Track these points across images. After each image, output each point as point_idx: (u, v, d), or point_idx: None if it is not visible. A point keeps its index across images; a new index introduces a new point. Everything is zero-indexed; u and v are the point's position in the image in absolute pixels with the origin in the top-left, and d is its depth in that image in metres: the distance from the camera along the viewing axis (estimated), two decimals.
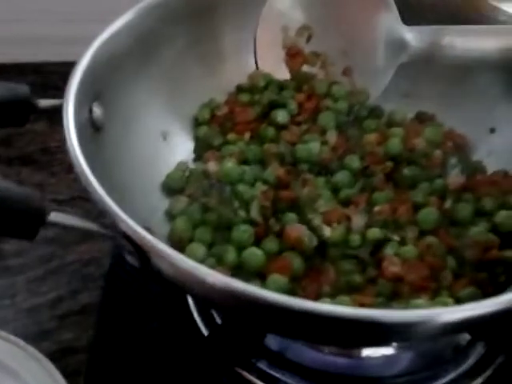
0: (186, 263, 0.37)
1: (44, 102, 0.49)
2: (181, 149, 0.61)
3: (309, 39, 0.64)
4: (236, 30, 0.63)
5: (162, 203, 0.56)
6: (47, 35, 0.80)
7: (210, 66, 0.64)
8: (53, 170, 0.71)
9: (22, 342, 0.51)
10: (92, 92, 0.50)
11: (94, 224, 0.41)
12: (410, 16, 0.59)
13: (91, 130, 0.50)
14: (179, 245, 0.51)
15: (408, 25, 0.60)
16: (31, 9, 0.79)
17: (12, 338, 0.51)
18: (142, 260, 0.40)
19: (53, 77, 0.79)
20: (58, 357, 0.52)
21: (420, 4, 0.61)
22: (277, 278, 0.47)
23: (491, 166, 0.58)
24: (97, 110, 0.50)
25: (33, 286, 0.59)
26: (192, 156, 0.61)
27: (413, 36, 0.59)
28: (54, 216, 0.40)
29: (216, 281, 0.36)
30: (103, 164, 0.49)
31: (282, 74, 0.65)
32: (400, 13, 0.60)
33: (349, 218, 0.51)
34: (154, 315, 0.56)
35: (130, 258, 0.41)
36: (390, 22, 0.60)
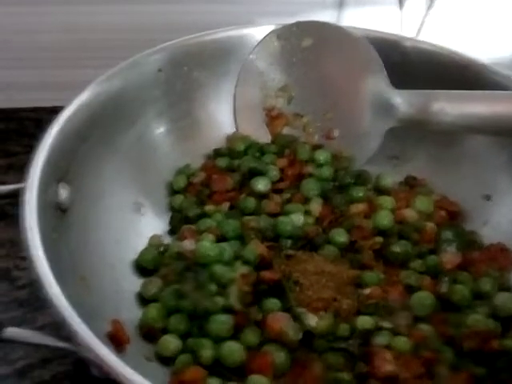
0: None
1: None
2: (155, 220, 0.56)
3: (290, 100, 0.60)
4: (213, 91, 0.60)
5: (134, 284, 0.51)
6: (20, 81, 0.76)
7: (185, 130, 0.60)
8: None
9: None
10: (57, 172, 0.46)
11: (53, 339, 0.37)
12: (399, 78, 0.56)
13: (56, 212, 0.46)
14: (151, 334, 0.47)
15: (397, 88, 0.56)
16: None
17: None
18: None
19: (26, 123, 0.74)
20: None
21: (409, 65, 0.58)
22: (257, 379, 0.42)
23: (487, 237, 0.54)
24: (63, 191, 0.46)
25: None
26: (167, 228, 0.56)
27: (402, 101, 0.55)
28: (10, 332, 0.36)
29: None
30: (68, 248, 0.45)
31: (263, 136, 0.61)
32: (388, 75, 0.56)
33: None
34: None
35: (94, 370, 0.37)
36: (377, 84, 0.56)
